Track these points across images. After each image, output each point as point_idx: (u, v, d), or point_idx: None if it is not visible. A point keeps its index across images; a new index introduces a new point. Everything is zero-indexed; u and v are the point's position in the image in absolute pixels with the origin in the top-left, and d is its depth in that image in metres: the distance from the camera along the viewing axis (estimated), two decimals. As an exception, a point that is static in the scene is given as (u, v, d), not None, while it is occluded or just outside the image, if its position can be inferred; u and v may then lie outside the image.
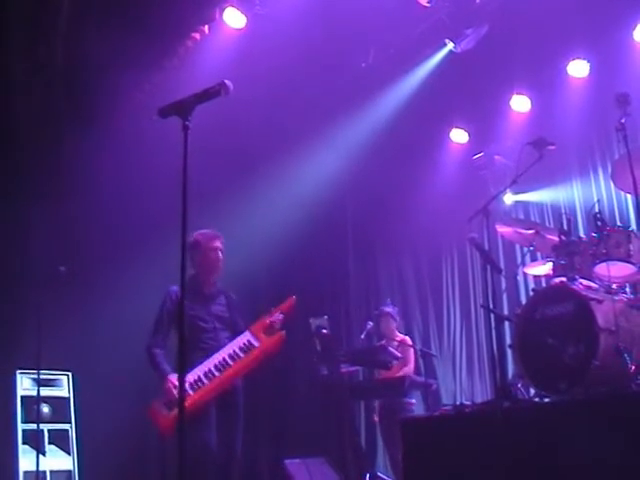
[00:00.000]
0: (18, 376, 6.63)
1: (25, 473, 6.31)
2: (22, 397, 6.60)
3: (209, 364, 5.28)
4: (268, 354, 5.49)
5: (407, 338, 7.68)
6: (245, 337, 5.45)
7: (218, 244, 5.57)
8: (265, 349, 5.44)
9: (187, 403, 4.65)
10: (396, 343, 7.32)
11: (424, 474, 4.41)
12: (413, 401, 7.15)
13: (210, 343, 5.41)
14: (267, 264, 8.44)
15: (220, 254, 5.57)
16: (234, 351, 5.38)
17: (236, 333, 5.53)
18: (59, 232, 7.02)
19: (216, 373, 5.26)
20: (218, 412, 5.27)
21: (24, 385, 6.66)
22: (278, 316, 5.52)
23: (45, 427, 6.59)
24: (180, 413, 3.30)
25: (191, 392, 5.06)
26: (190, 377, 5.12)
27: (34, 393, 6.39)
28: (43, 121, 7.02)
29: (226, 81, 3.54)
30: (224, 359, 5.33)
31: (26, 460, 6.34)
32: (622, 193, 7.40)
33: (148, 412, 5.17)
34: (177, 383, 4.82)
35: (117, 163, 7.08)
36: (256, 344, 5.41)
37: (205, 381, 5.20)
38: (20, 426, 6.48)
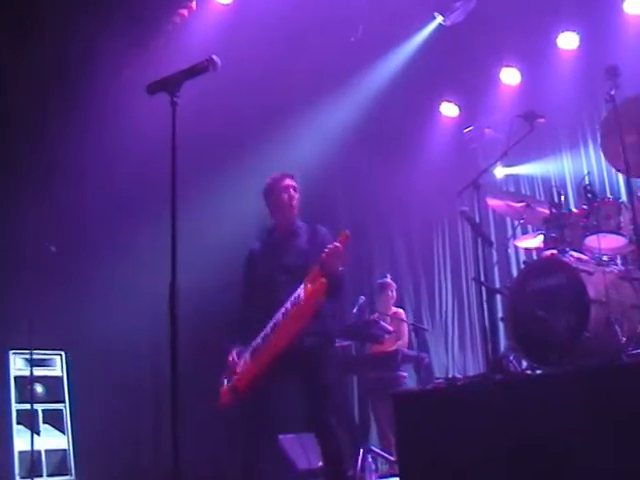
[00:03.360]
0: (11, 356, 6.63)
1: (20, 453, 6.33)
2: (15, 377, 6.61)
3: (269, 325, 4.71)
4: (311, 307, 4.57)
5: (400, 311, 7.70)
6: (300, 288, 4.63)
7: (289, 182, 5.11)
8: (306, 301, 4.55)
9: (239, 378, 4.67)
10: (389, 317, 7.34)
11: (417, 447, 4.44)
12: (405, 374, 7.18)
13: (274, 301, 4.76)
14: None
15: (293, 192, 5.08)
16: (286, 307, 4.63)
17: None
18: (50, 212, 6.97)
19: (270, 335, 4.64)
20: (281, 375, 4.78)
21: (17, 365, 6.66)
22: (335, 247, 4.79)
23: (39, 407, 6.59)
24: (174, 402, 3.24)
25: (249, 359, 4.69)
26: (253, 343, 4.73)
27: (27, 373, 6.39)
28: (31, 104, 6.96)
29: (214, 57, 3.51)
30: (278, 318, 4.65)
31: (21, 440, 6.35)
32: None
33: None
34: (235, 357, 4.73)
35: (107, 144, 7.04)
36: (302, 296, 4.58)
37: (262, 345, 4.66)
38: (14, 406, 6.49)
